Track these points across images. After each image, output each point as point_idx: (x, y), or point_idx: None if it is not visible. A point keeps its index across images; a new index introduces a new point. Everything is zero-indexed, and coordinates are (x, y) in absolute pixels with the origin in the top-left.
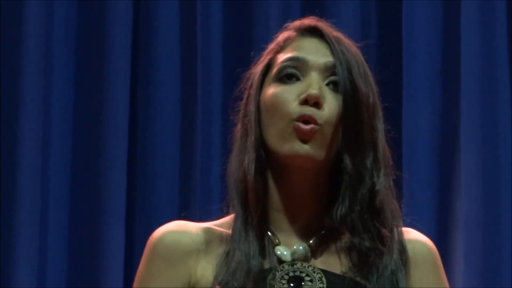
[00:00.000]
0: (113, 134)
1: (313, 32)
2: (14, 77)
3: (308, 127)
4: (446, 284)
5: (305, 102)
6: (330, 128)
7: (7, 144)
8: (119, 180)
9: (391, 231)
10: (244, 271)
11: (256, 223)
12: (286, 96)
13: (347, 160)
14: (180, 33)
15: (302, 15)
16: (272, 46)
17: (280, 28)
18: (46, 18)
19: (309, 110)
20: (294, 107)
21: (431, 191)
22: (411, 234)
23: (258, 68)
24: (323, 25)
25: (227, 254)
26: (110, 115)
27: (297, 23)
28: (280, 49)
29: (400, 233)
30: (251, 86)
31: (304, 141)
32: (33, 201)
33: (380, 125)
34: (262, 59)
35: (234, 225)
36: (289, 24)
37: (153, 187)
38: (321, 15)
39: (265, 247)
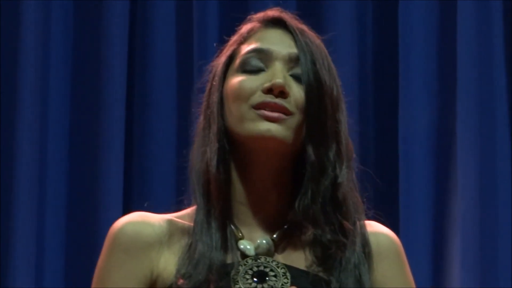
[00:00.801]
0: (110, 138)
1: (277, 23)
2: (11, 78)
3: (276, 114)
4: (410, 277)
5: (269, 91)
6: (301, 117)
7: (5, 144)
8: (116, 182)
9: (354, 224)
10: (207, 264)
11: (218, 215)
12: (249, 85)
13: (310, 151)
14: (176, 33)
15: (299, 15)
16: (235, 37)
17: None
18: (43, 19)
19: (274, 99)
20: (257, 95)
21: (428, 193)
22: (374, 227)
23: (220, 60)
24: (287, 16)
25: (190, 246)
26: (107, 118)
27: (261, 14)
28: (244, 40)
29: (363, 226)
30: (213, 78)
31: (270, 121)
32: (31, 195)
33: (343, 118)
34: (225, 50)
35: (196, 217)
36: (252, 15)
37: (151, 186)
38: (317, 15)
39: (227, 240)
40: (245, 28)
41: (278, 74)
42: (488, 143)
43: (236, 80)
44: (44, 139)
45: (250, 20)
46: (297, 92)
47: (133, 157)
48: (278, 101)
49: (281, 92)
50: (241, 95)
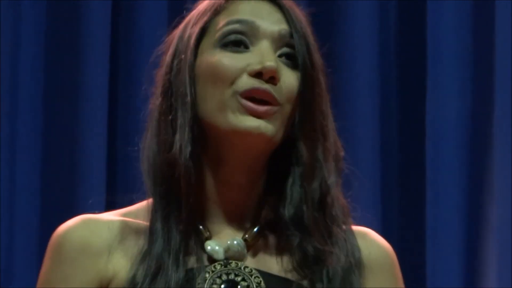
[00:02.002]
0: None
1: None
2: None
3: (263, 108)
4: None
5: (257, 75)
6: (289, 108)
7: None
8: (99, 177)
9: (342, 230)
10: (165, 279)
11: (181, 216)
12: (233, 64)
13: (302, 148)
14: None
15: (313, 15)
16: (203, 9)
17: None
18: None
19: (264, 85)
20: (244, 79)
21: (459, 193)
22: (368, 237)
23: (188, 32)
24: None
25: (145, 254)
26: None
27: None
28: (220, 9)
29: (351, 232)
30: (178, 53)
31: (258, 117)
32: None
33: (329, 111)
34: (192, 21)
35: (153, 218)
36: None
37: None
38: (334, 15)
39: (192, 241)
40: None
41: (268, 55)
42: None
43: (215, 58)
44: (15, 137)
45: None
46: (288, 78)
47: (116, 161)
48: (268, 87)
49: (271, 78)
50: (224, 77)
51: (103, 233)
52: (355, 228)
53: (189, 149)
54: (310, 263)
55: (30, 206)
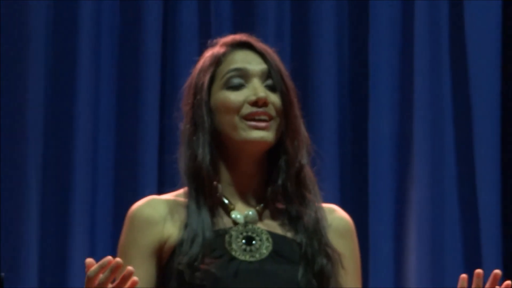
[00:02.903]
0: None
1: (244, 45)
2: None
3: (264, 124)
4: (359, 262)
5: (255, 103)
6: (278, 119)
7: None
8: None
9: (313, 195)
10: (200, 242)
11: (207, 202)
12: (237, 98)
13: (287, 144)
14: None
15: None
16: (209, 61)
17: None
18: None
19: (260, 109)
20: (246, 107)
21: (391, 181)
22: (335, 212)
23: (202, 79)
24: (251, 39)
25: (186, 223)
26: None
27: (229, 39)
28: (220, 62)
29: (320, 202)
30: (195, 95)
31: (261, 129)
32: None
33: (299, 113)
34: (203, 70)
35: (189, 204)
36: (216, 41)
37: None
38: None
39: (221, 211)
40: (216, 51)
41: (259, 89)
42: (439, 141)
43: (223, 95)
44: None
45: (215, 45)
46: (274, 100)
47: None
48: (263, 109)
49: (264, 103)
50: (232, 108)
51: (160, 208)
52: (325, 204)
53: (208, 158)
54: (294, 222)
55: (107, 195)
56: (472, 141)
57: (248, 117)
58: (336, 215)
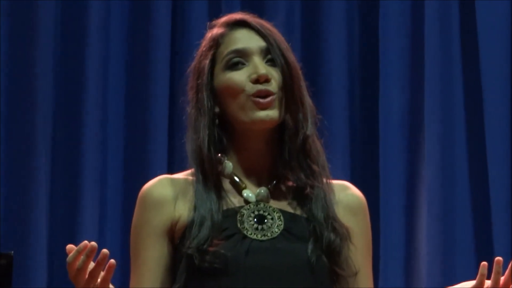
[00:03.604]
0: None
1: (241, 24)
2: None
3: (267, 99)
4: (370, 239)
5: (256, 81)
6: (281, 94)
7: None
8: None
9: (321, 167)
10: (209, 225)
11: (212, 183)
12: (240, 78)
13: (288, 118)
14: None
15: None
16: (209, 43)
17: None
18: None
19: (263, 86)
20: (249, 86)
21: (402, 159)
22: (349, 189)
23: (203, 63)
24: (247, 16)
25: (195, 202)
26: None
27: (225, 19)
28: (219, 44)
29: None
30: (197, 77)
31: (265, 109)
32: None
33: (304, 84)
34: (203, 54)
35: (196, 186)
36: (215, 22)
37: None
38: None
39: (233, 190)
40: (215, 34)
41: (259, 66)
42: (449, 119)
43: (226, 77)
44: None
45: (215, 26)
46: (275, 75)
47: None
48: (266, 86)
49: (265, 79)
50: (236, 88)
51: (172, 188)
52: (337, 181)
53: (207, 141)
54: (303, 198)
55: (118, 180)
56: (483, 118)
57: (255, 95)
58: (349, 192)
